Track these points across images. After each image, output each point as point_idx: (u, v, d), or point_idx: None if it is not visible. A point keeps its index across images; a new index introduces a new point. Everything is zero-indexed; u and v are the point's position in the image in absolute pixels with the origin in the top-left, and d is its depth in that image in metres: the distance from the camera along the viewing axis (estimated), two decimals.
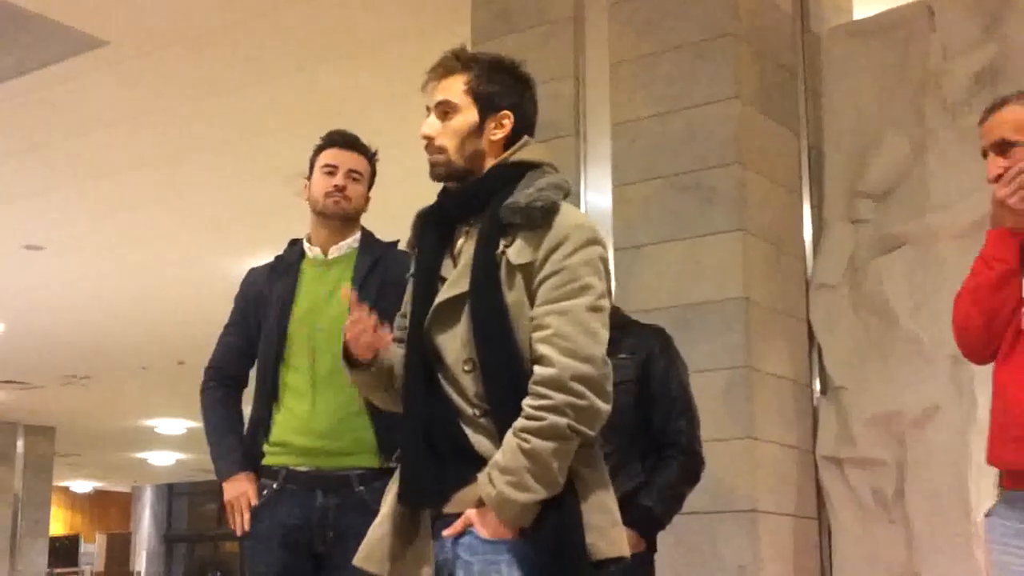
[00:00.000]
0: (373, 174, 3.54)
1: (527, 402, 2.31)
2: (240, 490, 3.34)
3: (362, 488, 3.25)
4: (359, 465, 3.28)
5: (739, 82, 4.48)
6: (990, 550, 2.83)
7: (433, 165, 2.51)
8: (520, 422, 2.30)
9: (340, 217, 3.44)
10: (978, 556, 4.22)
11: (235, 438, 3.43)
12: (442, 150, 2.49)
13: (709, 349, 4.28)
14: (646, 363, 3.35)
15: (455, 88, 2.50)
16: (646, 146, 4.59)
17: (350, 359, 2.54)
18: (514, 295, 2.38)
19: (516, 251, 2.39)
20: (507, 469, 2.27)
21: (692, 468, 3.38)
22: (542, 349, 2.33)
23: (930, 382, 4.42)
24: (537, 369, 2.33)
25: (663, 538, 3.39)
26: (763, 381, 4.36)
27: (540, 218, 2.39)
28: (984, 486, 4.35)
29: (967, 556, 4.25)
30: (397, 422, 3.10)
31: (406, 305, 2.62)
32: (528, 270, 2.38)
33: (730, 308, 4.32)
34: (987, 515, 2.86)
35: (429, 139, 2.50)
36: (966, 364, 4.29)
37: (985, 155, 2.95)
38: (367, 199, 3.52)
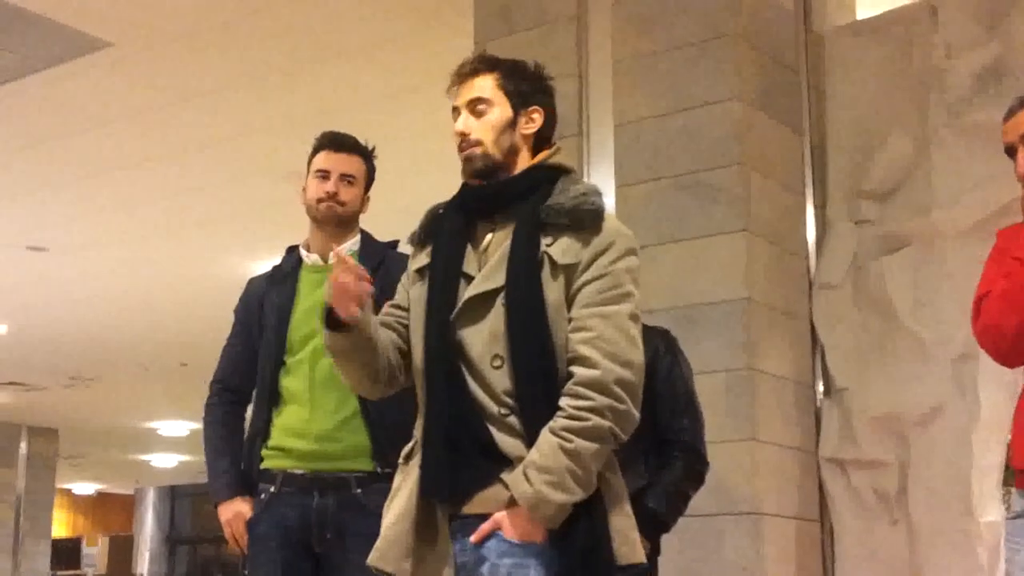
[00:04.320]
0: (371, 173, 3.49)
1: (567, 402, 2.30)
2: (234, 511, 3.37)
3: (360, 490, 3.23)
4: (357, 468, 3.26)
5: (742, 81, 4.47)
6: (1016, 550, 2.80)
7: (469, 160, 2.50)
8: (560, 422, 2.29)
9: (334, 222, 3.41)
10: (981, 556, 4.21)
11: (229, 460, 3.43)
12: (479, 144, 2.49)
13: (711, 349, 4.26)
14: (651, 363, 3.32)
15: (486, 85, 2.52)
16: (648, 146, 4.58)
17: (333, 322, 2.43)
18: (554, 294, 2.38)
19: (560, 251, 2.40)
20: (546, 468, 2.25)
21: (696, 468, 3.37)
22: (584, 351, 2.33)
23: (933, 382, 4.40)
24: (578, 370, 2.33)
25: (666, 540, 3.38)
26: (765, 382, 4.34)
27: (589, 221, 2.42)
28: (987, 486, 4.35)
29: (970, 556, 4.23)
30: (393, 428, 3.11)
31: (398, 296, 2.63)
32: (571, 271, 2.39)
33: (732, 308, 4.30)
34: (1015, 517, 2.82)
35: (464, 135, 2.50)
36: (969, 364, 4.31)
37: (1010, 151, 2.91)
38: (365, 200, 3.48)
